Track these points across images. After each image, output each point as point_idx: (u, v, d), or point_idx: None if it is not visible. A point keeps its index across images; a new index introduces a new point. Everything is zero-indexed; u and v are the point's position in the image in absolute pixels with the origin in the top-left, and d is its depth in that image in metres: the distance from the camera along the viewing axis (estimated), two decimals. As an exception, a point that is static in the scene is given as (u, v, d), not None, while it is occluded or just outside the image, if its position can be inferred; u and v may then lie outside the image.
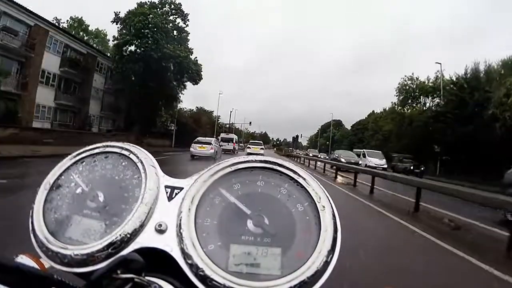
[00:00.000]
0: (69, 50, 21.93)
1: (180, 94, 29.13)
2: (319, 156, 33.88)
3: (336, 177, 11.98)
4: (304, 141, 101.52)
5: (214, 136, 29.08)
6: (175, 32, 25.98)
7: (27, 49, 17.74)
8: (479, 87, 19.60)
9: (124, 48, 23.86)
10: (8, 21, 16.76)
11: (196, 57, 27.47)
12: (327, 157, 28.28)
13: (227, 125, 55.96)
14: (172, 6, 25.93)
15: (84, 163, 0.44)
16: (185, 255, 0.34)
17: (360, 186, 9.14)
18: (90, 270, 0.34)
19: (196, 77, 27.80)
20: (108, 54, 26.87)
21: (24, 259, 0.38)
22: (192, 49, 26.90)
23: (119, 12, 24.69)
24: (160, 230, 0.36)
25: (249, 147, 27.87)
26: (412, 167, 17.89)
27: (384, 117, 39.38)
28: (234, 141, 28.36)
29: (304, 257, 0.34)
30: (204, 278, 0.32)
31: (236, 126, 78.33)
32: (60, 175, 0.43)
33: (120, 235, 0.35)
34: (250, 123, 52.78)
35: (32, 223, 0.39)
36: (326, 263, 0.33)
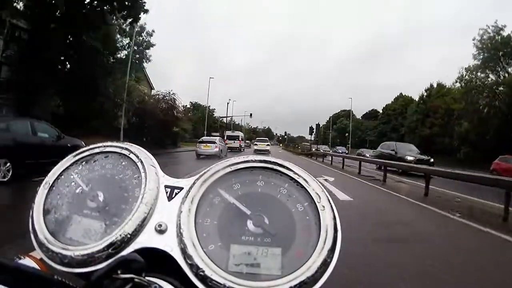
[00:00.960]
0: None
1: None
2: (341, 152, 29.68)
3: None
4: (308, 135, 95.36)
5: (205, 133, 27.90)
6: None
7: None
8: None
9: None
10: None
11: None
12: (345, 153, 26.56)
13: (222, 119, 51.19)
14: None
15: (84, 162, 0.44)
16: (185, 255, 0.34)
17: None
18: (90, 270, 0.34)
19: (130, 9, 13.91)
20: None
21: (24, 260, 0.38)
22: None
23: None
24: (160, 230, 0.37)
25: (255, 144, 29.11)
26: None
27: (443, 93, 30.81)
28: (240, 139, 27.81)
29: (304, 257, 0.34)
30: (204, 278, 0.32)
31: (236, 121, 72.93)
32: (60, 174, 0.43)
33: (120, 235, 0.35)
34: (251, 115, 45.92)
35: (32, 223, 0.38)
36: (326, 263, 0.33)
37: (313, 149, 26.65)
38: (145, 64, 29.97)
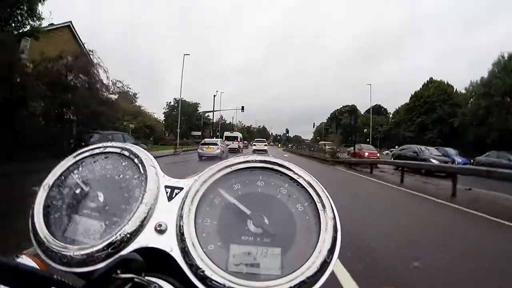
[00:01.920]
0: None
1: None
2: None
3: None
4: (304, 135, 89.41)
5: (178, 133, 26.68)
6: None
7: None
8: None
9: None
10: None
11: None
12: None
13: (209, 115, 45.60)
14: None
15: (84, 163, 0.44)
16: (185, 255, 0.34)
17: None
18: (90, 270, 0.34)
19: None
20: None
21: (23, 259, 0.38)
22: None
23: None
24: (160, 230, 0.37)
25: (254, 144, 30.91)
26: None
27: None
28: (239, 139, 27.79)
29: (304, 257, 0.34)
30: (204, 278, 0.32)
31: (227, 120, 67.27)
32: (60, 175, 0.43)
33: (120, 235, 0.36)
34: (243, 108, 37.95)
35: (32, 223, 0.39)
36: (326, 263, 0.33)
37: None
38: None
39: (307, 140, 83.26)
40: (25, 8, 9.46)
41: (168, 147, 22.91)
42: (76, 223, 0.39)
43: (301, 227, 0.36)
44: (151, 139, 25.66)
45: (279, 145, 62.69)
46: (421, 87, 41.41)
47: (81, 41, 16.22)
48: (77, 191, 0.41)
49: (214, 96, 37.22)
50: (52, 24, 13.21)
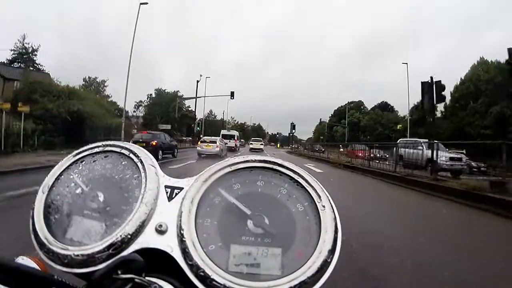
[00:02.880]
0: None
1: None
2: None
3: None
4: (301, 135, 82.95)
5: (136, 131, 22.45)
6: None
7: None
8: None
9: None
10: None
11: None
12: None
13: (189, 107, 40.67)
14: None
15: (83, 162, 0.44)
16: (186, 256, 0.34)
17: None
18: (91, 270, 0.34)
19: None
20: None
21: (24, 260, 0.38)
22: None
23: None
24: (161, 231, 0.37)
25: (251, 143, 31.46)
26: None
27: None
28: (235, 138, 27.60)
29: (304, 257, 0.34)
30: (204, 279, 0.32)
31: (217, 115, 59.72)
32: (60, 175, 0.42)
33: (120, 235, 0.35)
34: (232, 94, 30.83)
35: (32, 224, 0.39)
36: (327, 263, 0.33)
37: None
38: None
39: (303, 140, 76.30)
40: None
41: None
42: (76, 224, 0.38)
43: (301, 227, 0.36)
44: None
45: (278, 145, 55.04)
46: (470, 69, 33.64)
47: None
48: (77, 191, 0.41)
49: (198, 81, 29.96)
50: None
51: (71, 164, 0.43)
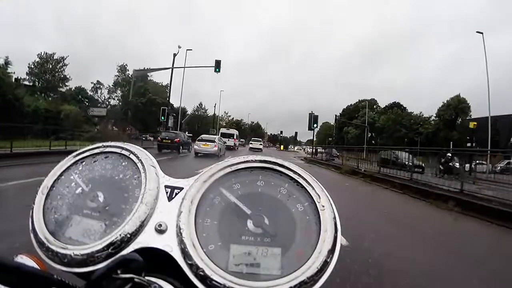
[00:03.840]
0: None
1: None
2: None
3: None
4: (301, 137, 76.08)
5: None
6: None
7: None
8: None
9: None
10: None
11: None
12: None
13: (166, 87, 34.25)
14: None
15: (84, 163, 0.44)
16: (185, 255, 0.34)
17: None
18: (90, 270, 0.34)
19: None
20: None
21: (24, 259, 0.38)
22: None
23: None
24: (160, 230, 0.37)
25: (251, 143, 32.50)
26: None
27: None
28: (234, 137, 27.44)
29: (304, 257, 0.34)
30: (204, 278, 0.32)
31: (206, 108, 55.29)
32: (60, 174, 0.43)
33: (120, 235, 0.35)
34: (218, 65, 19.25)
35: (32, 223, 0.39)
36: (326, 263, 0.33)
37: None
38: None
39: (303, 142, 69.26)
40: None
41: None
42: (76, 223, 0.38)
43: (301, 227, 0.36)
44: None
45: (281, 146, 47.06)
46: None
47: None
48: (77, 191, 0.41)
49: (175, 54, 21.32)
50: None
51: (71, 165, 0.43)
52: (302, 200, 0.38)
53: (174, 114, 28.85)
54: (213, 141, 14.97)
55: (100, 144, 0.45)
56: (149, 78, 36.80)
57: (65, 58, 34.00)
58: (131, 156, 0.43)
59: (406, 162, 9.47)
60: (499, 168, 14.00)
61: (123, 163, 0.43)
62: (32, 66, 32.49)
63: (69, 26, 58.83)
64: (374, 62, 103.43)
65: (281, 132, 46.96)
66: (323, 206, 0.37)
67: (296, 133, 48.58)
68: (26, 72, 32.03)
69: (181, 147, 15.31)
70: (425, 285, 2.33)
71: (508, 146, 26.14)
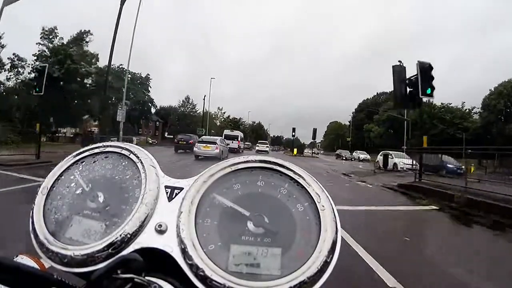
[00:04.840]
0: None
1: None
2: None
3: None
4: (303, 139, 69.58)
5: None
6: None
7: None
8: None
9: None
10: None
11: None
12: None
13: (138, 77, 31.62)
14: None
15: (84, 163, 0.44)
16: (185, 256, 0.34)
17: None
18: (90, 270, 0.34)
19: None
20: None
21: (24, 259, 0.38)
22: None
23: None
24: (160, 231, 0.37)
25: (257, 146, 32.34)
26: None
27: None
28: (239, 139, 26.47)
29: (304, 257, 0.34)
30: (204, 278, 0.32)
31: (194, 102, 47.35)
32: (60, 175, 0.43)
33: (120, 235, 0.36)
34: None
35: (32, 223, 0.39)
36: (326, 263, 0.33)
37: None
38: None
39: (305, 143, 62.81)
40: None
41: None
42: (76, 224, 0.38)
43: (301, 227, 0.36)
44: None
45: (294, 150, 35.16)
46: None
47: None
48: (77, 192, 0.41)
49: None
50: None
51: (71, 165, 0.43)
52: (302, 200, 0.38)
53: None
54: (215, 143, 13.96)
55: (100, 144, 0.45)
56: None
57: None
58: (131, 156, 0.43)
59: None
60: None
61: (123, 163, 0.43)
62: None
63: None
64: (384, 58, 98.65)
65: (294, 130, 35.22)
66: (323, 206, 0.37)
67: (314, 130, 36.03)
68: None
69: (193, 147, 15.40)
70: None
71: None
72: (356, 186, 8.53)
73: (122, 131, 14.25)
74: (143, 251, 0.35)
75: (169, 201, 0.39)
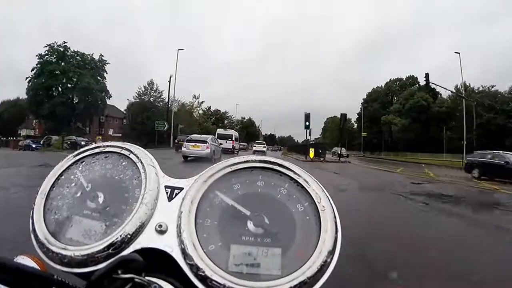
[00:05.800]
0: None
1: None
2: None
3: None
4: (296, 137, 63.55)
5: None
6: None
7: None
8: None
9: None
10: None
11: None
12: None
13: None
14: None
15: (84, 163, 0.44)
16: (186, 256, 0.34)
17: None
18: (90, 270, 0.34)
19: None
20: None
21: (24, 260, 0.39)
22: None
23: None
24: (161, 231, 0.37)
25: (254, 146, 32.10)
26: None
27: None
28: (233, 139, 24.69)
29: (304, 257, 0.34)
30: (204, 279, 0.32)
31: (177, 96, 40.76)
32: (60, 175, 0.43)
33: (120, 235, 0.36)
34: None
35: (32, 223, 0.39)
36: (326, 264, 0.34)
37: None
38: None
39: (297, 142, 56.15)
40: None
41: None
42: (76, 224, 0.38)
43: (301, 227, 0.36)
44: None
45: (311, 153, 22.96)
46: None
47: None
48: (77, 192, 0.41)
49: None
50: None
51: (71, 165, 0.43)
52: (302, 200, 0.38)
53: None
54: (205, 142, 12.77)
55: (100, 144, 0.45)
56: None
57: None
58: (131, 156, 0.43)
59: None
60: None
61: (123, 163, 0.43)
62: None
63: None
64: (372, 59, 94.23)
65: (308, 117, 20.62)
66: (323, 207, 0.37)
67: (344, 116, 23.82)
68: None
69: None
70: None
71: None
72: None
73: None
74: (143, 251, 0.35)
75: (169, 201, 0.39)
